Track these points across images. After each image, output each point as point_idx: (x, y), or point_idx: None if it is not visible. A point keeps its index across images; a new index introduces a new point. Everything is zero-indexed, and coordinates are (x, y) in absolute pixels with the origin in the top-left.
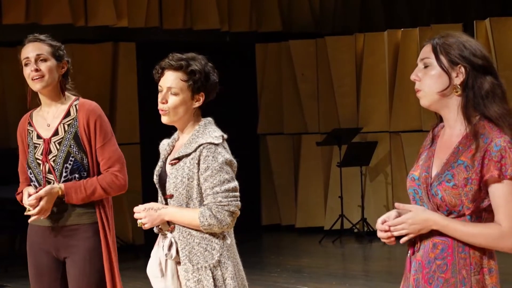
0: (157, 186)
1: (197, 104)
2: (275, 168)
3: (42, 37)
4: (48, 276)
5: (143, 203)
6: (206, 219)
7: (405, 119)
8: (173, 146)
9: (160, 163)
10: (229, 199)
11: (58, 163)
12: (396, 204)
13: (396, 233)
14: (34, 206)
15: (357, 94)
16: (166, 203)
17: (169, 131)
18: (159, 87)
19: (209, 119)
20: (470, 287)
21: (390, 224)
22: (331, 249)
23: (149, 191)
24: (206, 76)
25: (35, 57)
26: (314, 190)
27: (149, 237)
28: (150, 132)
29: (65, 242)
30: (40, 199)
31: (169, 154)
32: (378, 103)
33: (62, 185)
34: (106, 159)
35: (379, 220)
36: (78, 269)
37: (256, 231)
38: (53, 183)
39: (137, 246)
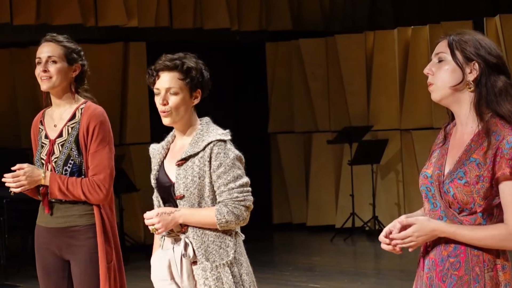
0: (155, 189)
1: (195, 102)
2: (286, 167)
3: (59, 38)
4: (55, 275)
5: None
6: (224, 216)
7: (416, 116)
8: (168, 149)
9: (156, 167)
10: (244, 194)
11: (59, 165)
12: (399, 220)
13: (404, 246)
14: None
15: (367, 92)
16: (175, 205)
17: None
18: (155, 90)
19: (207, 118)
20: (484, 284)
21: (396, 237)
22: (343, 247)
23: None
24: (200, 72)
25: (46, 58)
26: (325, 188)
27: None
28: (161, 131)
29: (67, 243)
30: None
31: (164, 157)
32: (389, 101)
33: (47, 172)
34: (94, 166)
35: (383, 232)
36: (80, 269)
37: (267, 230)
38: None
39: (148, 246)
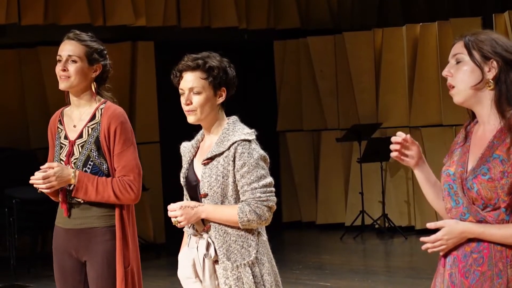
0: (184, 188)
1: (220, 100)
2: (295, 165)
3: (82, 36)
4: (72, 278)
5: (163, 201)
6: (246, 214)
7: (425, 114)
8: (198, 147)
9: (185, 165)
10: (267, 194)
11: (78, 166)
12: (428, 225)
13: (435, 249)
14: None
15: (376, 90)
16: None
17: (188, 129)
18: (180, 91)
19: (235, 117)
20: (507, 280)
21: (426, 240)
22: (353, 245)
23: (169, 189)
24: (224, 70)
25: (66, 56)
26: (335, 186)
27: (170, 236)
28: (170, 130)
29: (84, 244)
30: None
31: (194, 156)
32: (398, 98)
33: (77, 171)
34: (121, 167)
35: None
36: (96, 272)
37: (277, 228)
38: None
39: (158, 245)
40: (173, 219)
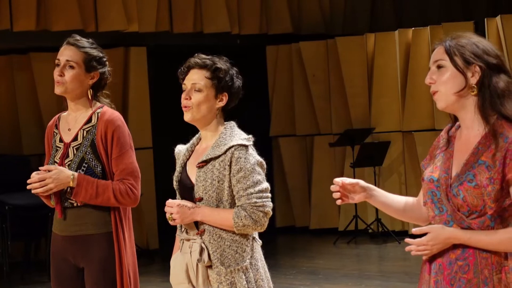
0: (177, 191)
1: (220, 104)
2: (288, 170)
3: (82, 43)
4: (69, 284)
5: (156, 207)
6: (241, 219)
7: (418, 118)
8: (192, 151)
9: (178, 168)
10: (263, 200)
11: (72, 168)
12: (413, 230)
13: (418, 253)
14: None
15: (369, 94)
16: None
17: (181, 135)
18: (183, 86)
19: (233, 122)
20: (493, 287)
21: (411, 242)
22: (346, 250)
23: (162, 195)
24: (231, 77)
25: (64, 61)
26: (328, 191)
27: (164, 242)
28: (163, 136)
29: (81, 251)
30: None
31: (188, 159)
32: (390, 103)
33: (75, 174)
34: (120, 171)
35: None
36: (93, 278)
37: (270, 233)
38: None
39: (151, 251)
40: (167, 215)
